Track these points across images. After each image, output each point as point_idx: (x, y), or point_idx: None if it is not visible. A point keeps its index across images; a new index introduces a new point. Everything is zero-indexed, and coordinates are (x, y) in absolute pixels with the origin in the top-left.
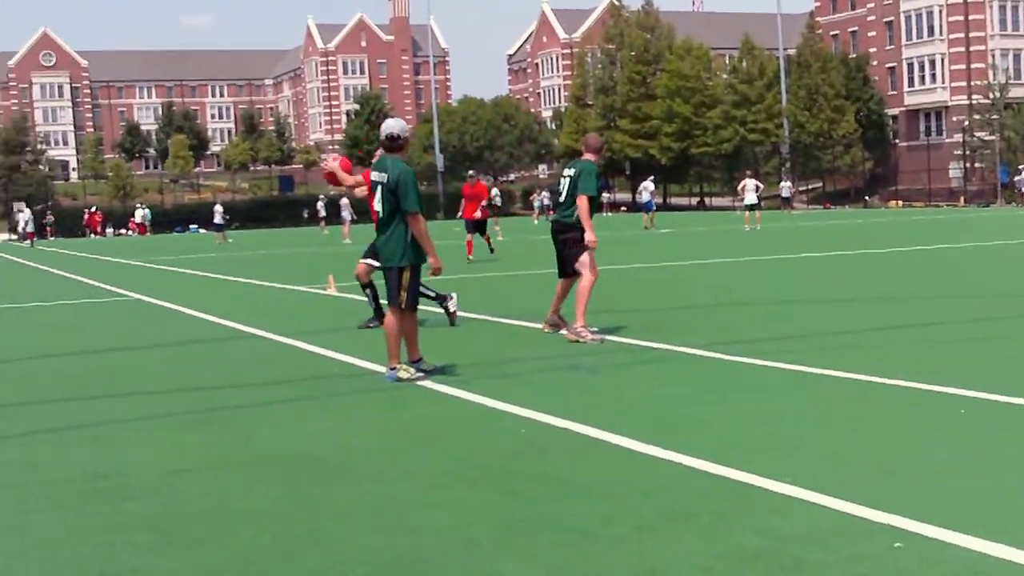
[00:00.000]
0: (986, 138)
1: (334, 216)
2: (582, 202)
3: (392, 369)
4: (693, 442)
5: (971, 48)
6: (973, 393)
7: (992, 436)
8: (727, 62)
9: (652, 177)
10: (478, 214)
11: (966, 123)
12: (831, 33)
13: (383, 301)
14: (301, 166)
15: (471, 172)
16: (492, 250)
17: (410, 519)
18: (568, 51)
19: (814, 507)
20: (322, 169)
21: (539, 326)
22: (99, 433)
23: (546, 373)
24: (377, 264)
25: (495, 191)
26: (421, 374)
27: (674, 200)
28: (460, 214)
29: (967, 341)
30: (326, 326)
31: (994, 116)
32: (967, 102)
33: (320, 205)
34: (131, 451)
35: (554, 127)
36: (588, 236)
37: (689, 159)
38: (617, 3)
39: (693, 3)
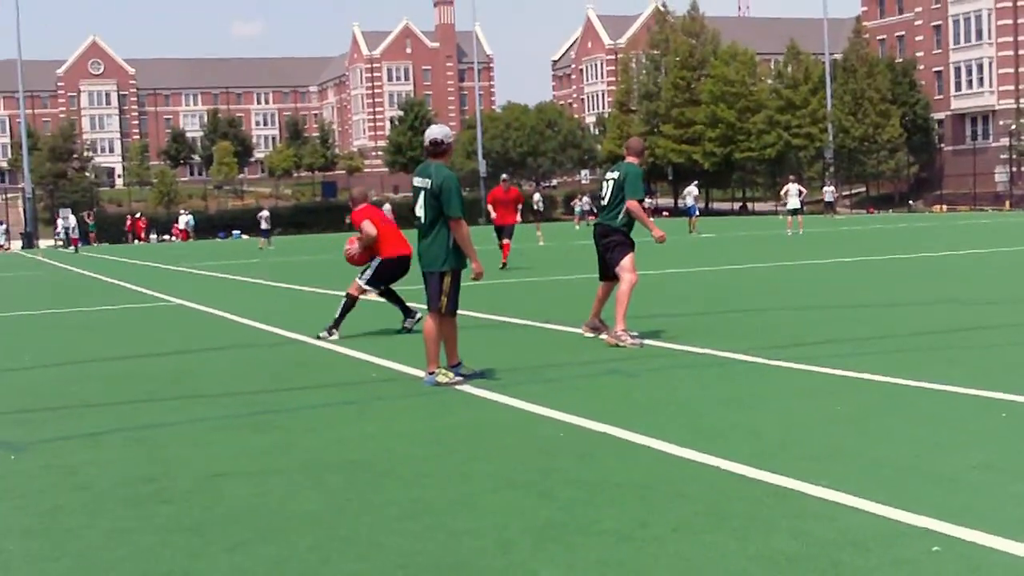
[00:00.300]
0: None
1: None
2: (635, 206)
3: (431, 373)
4: (730, 446)
5: (1020, 52)
6: (1015, 397)
7: None
8: (772, 67)
9: (696, 182)
10: (518, 219)
11: (1013, 127)
12: (878, 37)
13: (416, 304)
14: (344, 172)
15: (504, 176)
16: (504, 265)
17: (448, 523)
18: (613, 57)
19: (851, 511)
20: (350, 259)
21: (579, 331)
22: (141, 436)
23: (585, 378)
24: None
25: (537, 196)
26: (460, 379)
27: (716, 205)
28: (492, 219)
29: (1007, 345)
30: (366, 330)
31: None
32: (1015, 106)
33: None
34: (173, 455)
35: (597, 132)
36: (656, 232)
37: (732, 164)
38: (663, 8)
39: (739, 8)
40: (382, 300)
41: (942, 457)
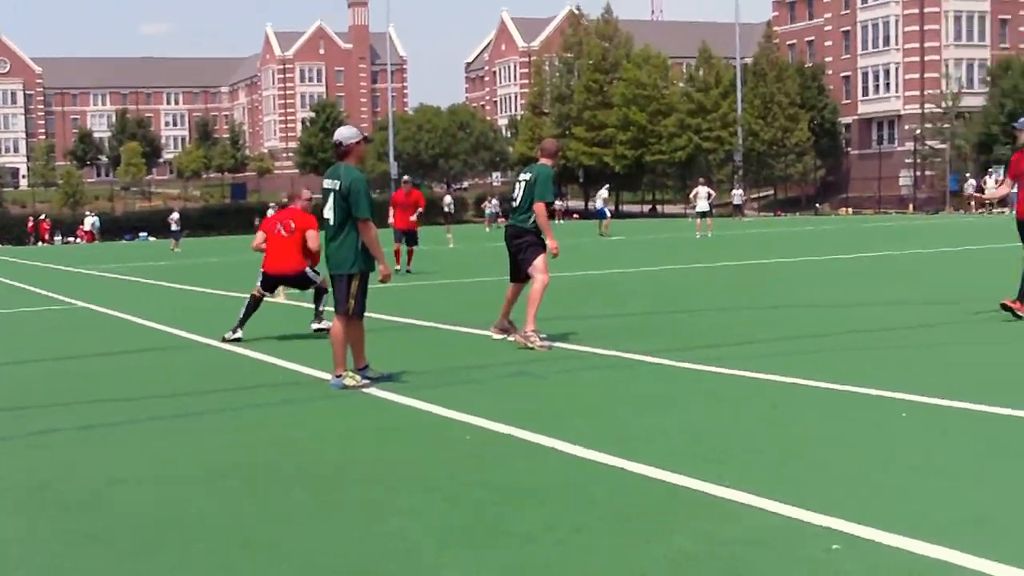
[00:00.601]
0: (937, 146)
1: None
2: (540, 209)
3: (338, 376)
4: (636, 447)
5: (925, 58)
6: (915, 397)
7: (932, 439)
8: (684, 71)
9: (608, 185)
10: (413, 218)
11: (918, 131)
12: (788, 42)
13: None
14: (254, 174)
15: (406, 178)
16: (409, 269)
17: (353, 527)
18: (526, 59)
19: (754, 510)
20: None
21: (488, 333)
22: (39, 442)
23: (494, 380)
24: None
25: (448, 198)
26: (367, 381)
27: (627, 207)
28: (391, 222)
29: (909, 347)
30: (273, 334)
31: (946, 125)
32: (919, 111)
33: (270, 213)
34: (71, 460)
35: (509, 135)
36: (550, 243)
37: (643, 167)
38: (577, 12)
39: (652, 12)
40: (283, 301)
41: (844, 456)
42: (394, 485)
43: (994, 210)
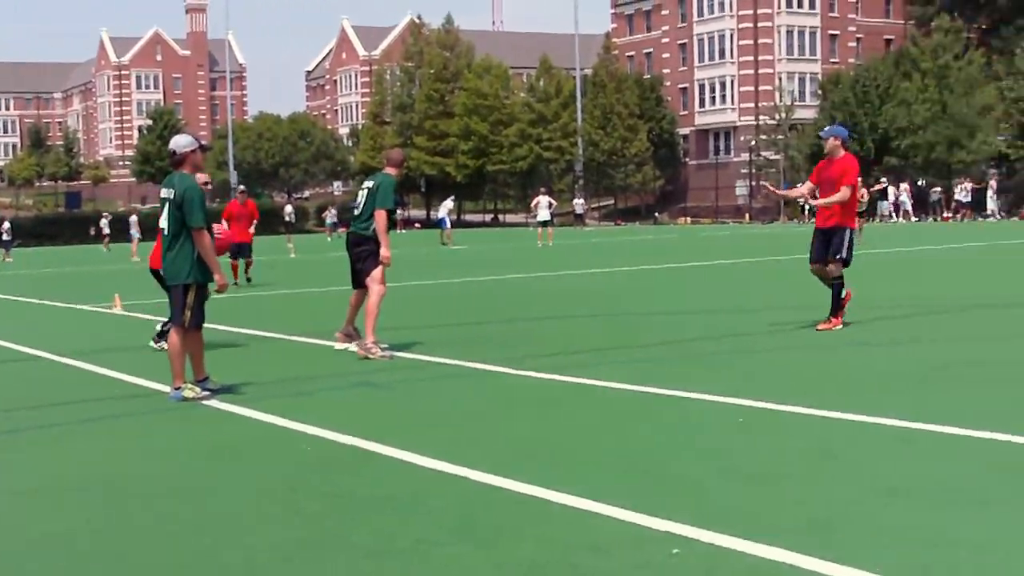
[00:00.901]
0: (771, 157)
1: (119, 233)
2: (380, 216)
3: (177, 389)
4: (478, 456)
5: (759, 71)
6: (751, 403)
7: (768, 443)
8: (525, 81)
9: (452, 196)
10: (251, 231)
11: (753, 143)
12: (627, 54)
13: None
14: (89, 182)
15: (241, 188)
16: (249, 279)
17: (193, 541)
18: (367, 68)
19: (595, 516)
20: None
21: (330, 343)
22: None
23: (335, 390)
24: None
25: (289, 208)
26: (207, 393)
27: (469, 217)
28: (219, 234)
29: (745, 353)
30: (111, 346)
31: (779, 136)
32: (754, 123)
33: (104, 223)
34: None
35: (351, 144)
36: (383, 252)
37: (484, 176)
38: (417, 21)
39: (493, 22)
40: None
41: (684, 461)
42: (235, 498)
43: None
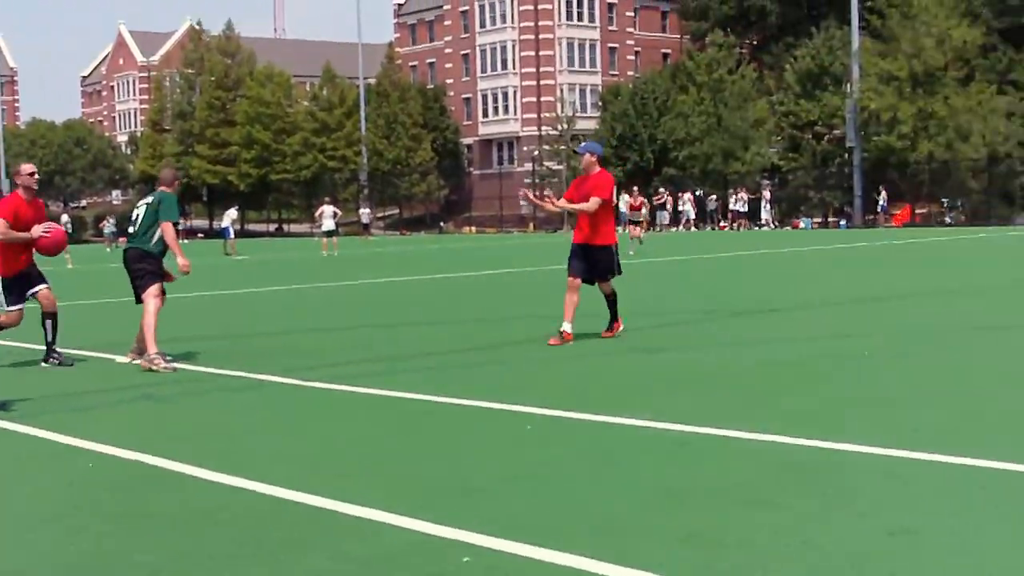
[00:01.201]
0: (554, 167)
1: None
2: (168, 229)
3: None
4: (266, 469)
5: (541, 82)
6: (537, 410)
7: (552, 448)
8: (308, 89)
9: (236, 207)
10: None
11: (536, 153)
12: (410, 64)
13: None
14: None
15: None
16: None
17: None
18: (146, 74)
19: (388, 527)
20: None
21: (112, 357)
22: None
23: (117, 405)
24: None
25: (65, 217)
26: None
27: (252, 227)
28: None
29: (531, 361)
30: None
31: (562, 147)
32: (537, 133)
33: None
34: None
35: (129, 152)
36: (181, 261)
37: (268, 185)
38: (197, 27)
39: (275, 30)
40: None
41: (471, 469)
42: (13, 519)
43: None
